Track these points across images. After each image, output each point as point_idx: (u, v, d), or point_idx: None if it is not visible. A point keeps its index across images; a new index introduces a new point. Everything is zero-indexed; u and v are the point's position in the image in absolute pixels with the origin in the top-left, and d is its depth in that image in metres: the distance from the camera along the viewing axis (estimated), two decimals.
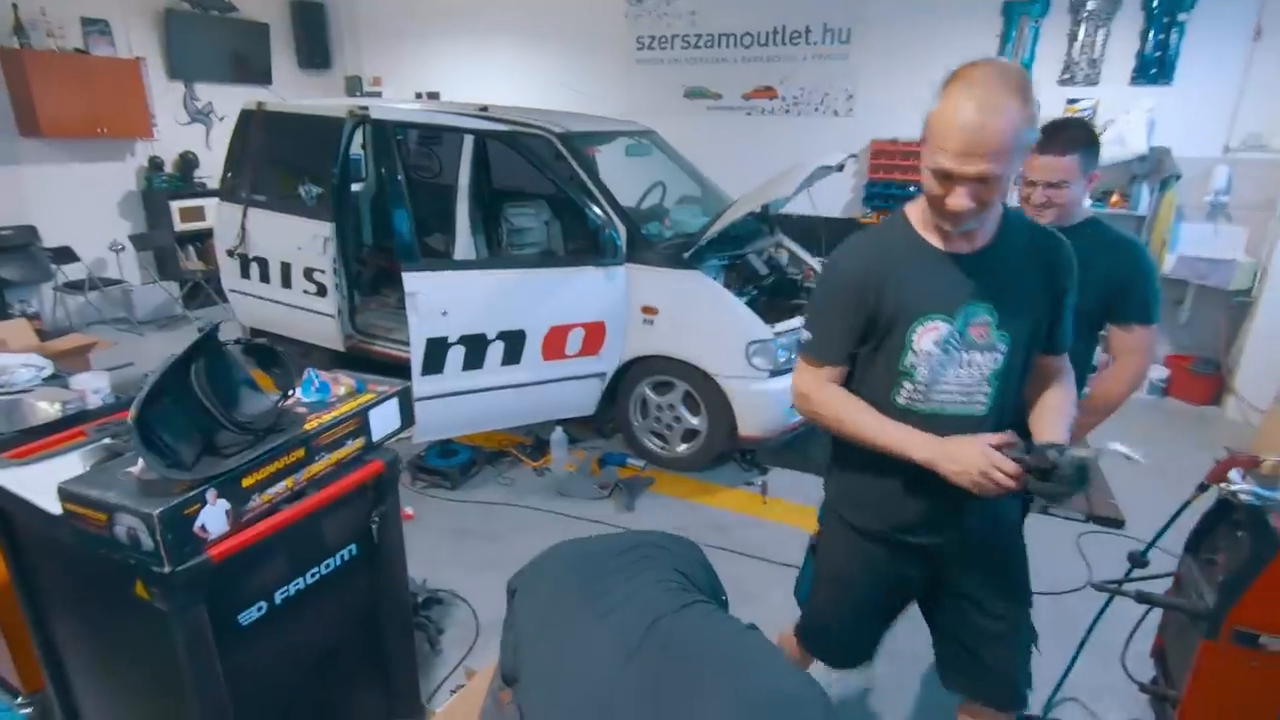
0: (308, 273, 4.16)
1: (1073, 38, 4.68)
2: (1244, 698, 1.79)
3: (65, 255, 5.50)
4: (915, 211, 1.32)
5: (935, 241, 1.29)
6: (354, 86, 7.40)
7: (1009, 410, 1.35)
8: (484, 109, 3.87)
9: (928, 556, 1.43)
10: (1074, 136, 1.74)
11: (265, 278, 4.38)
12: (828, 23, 5.33)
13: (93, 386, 2.01)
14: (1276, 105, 4.28)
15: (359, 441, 1.56)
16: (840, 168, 3.61)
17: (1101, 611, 1.93)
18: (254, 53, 6.74)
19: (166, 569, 1.17)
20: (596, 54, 6.19)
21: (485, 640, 2.37)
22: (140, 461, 1.29)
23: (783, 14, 5.44)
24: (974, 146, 1.10)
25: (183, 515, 1.18)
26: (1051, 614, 2.39)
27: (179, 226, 6.10)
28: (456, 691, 1.92)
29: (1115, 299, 1.78)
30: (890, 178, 5.24)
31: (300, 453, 1.41)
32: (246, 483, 1.29)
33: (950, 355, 1.28)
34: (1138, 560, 1.94)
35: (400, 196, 3.24)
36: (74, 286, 5.51)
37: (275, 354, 1.42)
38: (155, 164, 6.09)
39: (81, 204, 5.71)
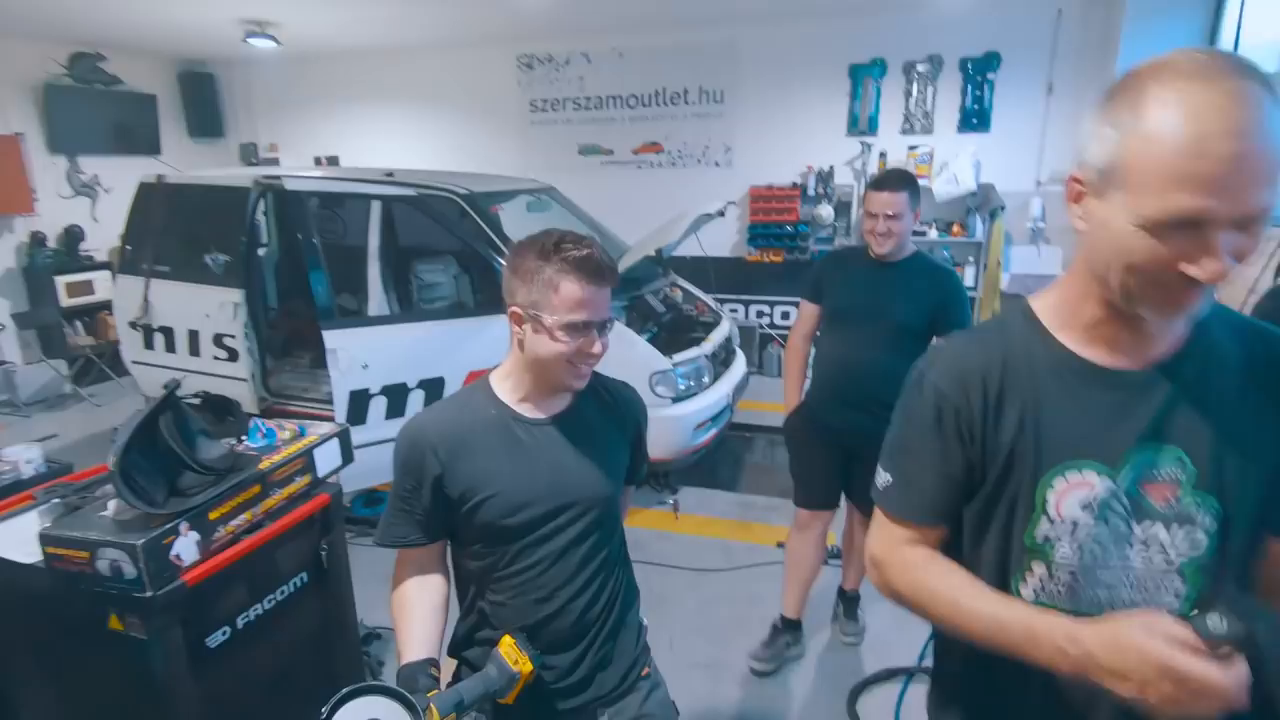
0: (217, 339, 4.21)
1: (908, 94, 5.46)
2: None
3: None
4: (1050, 307, 0.87)
5: (1093, 354, 0.84)
6: (249, 154, 7.43)
7: None
8: (389, 174, 4.11)
9: None
10: (904, 177, 2.21)
11: (171, 347, 4.38)
12: (703, 85, 5.94)
13: (25, 457, 2.10)
14: (1070, 146, 5.14)
15: (306, 478, 1.76)
16: (721, 214, 4.09)
17: None
18: (141, 124, 6.68)
19: (149, 593, 1.35)
20: (493, 117, 6.56)
21: None
22: (111, 505, 1.47)
23: (663, 78, 6.01)
24: (1248, 169, 0.66)
25: (161, 545, 1.37)
26: None
27: (65, 302, 5.90)
28: None
29: (939, 315, 2.23)
30: (769, 219, 5.82)
31: (256, 489, 1.61)
32: (213, 515, 1.48)
33: (1113, 528, 0.82)
34: None
35: (316, 260, 3.42)
36: None
37: (228, 405, 1.62)
38: (38, 239, 5.90)
39: None
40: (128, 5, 4.90)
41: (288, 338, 5.00)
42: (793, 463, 2.57)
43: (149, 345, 4.45)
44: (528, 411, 1.21)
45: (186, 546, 1.42)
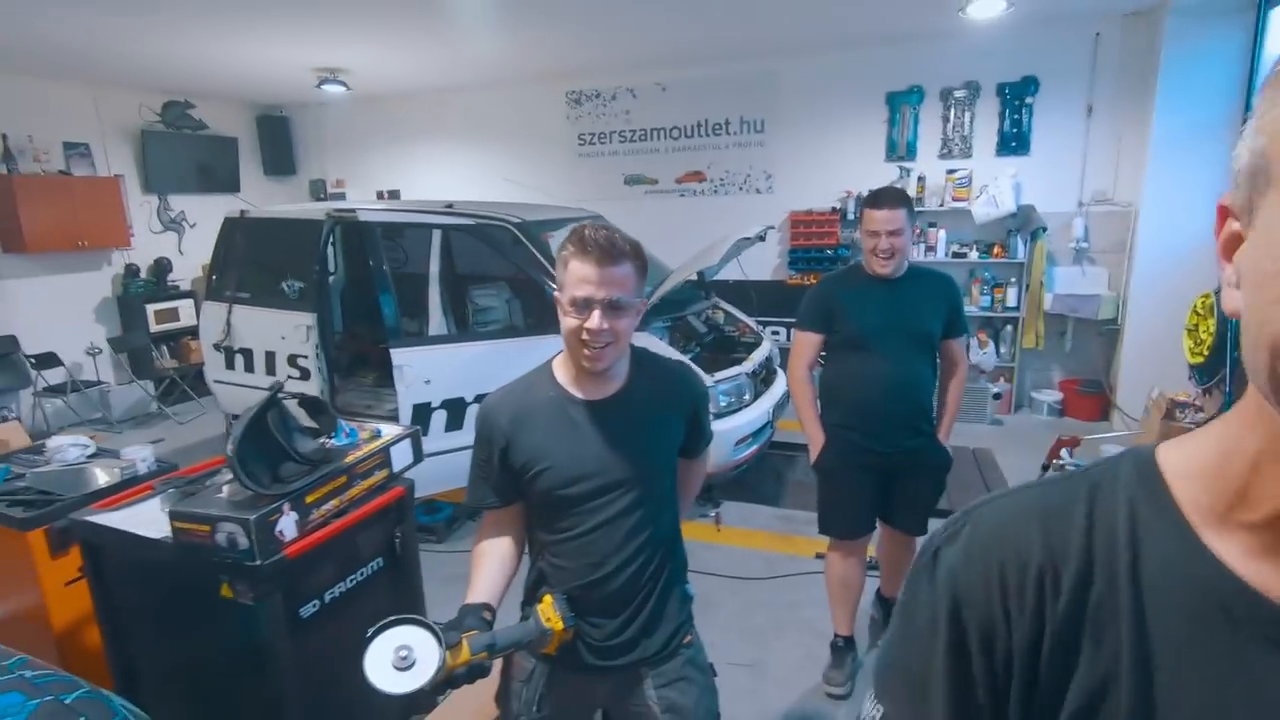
0: (291, 359, 4.56)
1: (945, 120, 5.57)
2: None
3: (47, 361, 5.76)
4: (1193, 472, 0.48)
5: (1267, 578, 0.45)
6: (318, 189, 7.96)
7: None
8: (449, 205, 4.43)
9: None
10: (899, 194, 2.24)
11: (250, 367, 4.75)
12: (744, 115, 6.16)
13: (140, 456, 2.39)
14: (1112, 167, 5.17)
15: (384, 472, 1.99)
16: (761, 238, 4.26)
17: None
18: (223, 164, 7.27)
19: (257, 562, 1.57)
20: (543, 150, 6.91)
21: None
22: (225, 489, 1.71)
23: (705, 110, 6.26)
24: None
25: (268, 521, 1.60)
26: None
27: (154, 328, 6.42)
28: None
29: (949, 320, 2.34)
30: (809, 244, 5.96)
31: (343, 479, 1.83)
32: (309, 499, 1.71)
33: None
34: None
35: (386, 285, 3.72)
36: (54, 390, 5.75)
37: (321, 404, 1.86)
38: (131, 271, 6.46)
39: (61, 312, 6.02)
40: (215, 58, 5.41)
41: (352, 358, 5.36)
42: (827, 497, 2.51)
43: (230, 366, 4.84)
44: (581, 394, 1.37)
45: (288, 524, 1.65)
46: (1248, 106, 4.52)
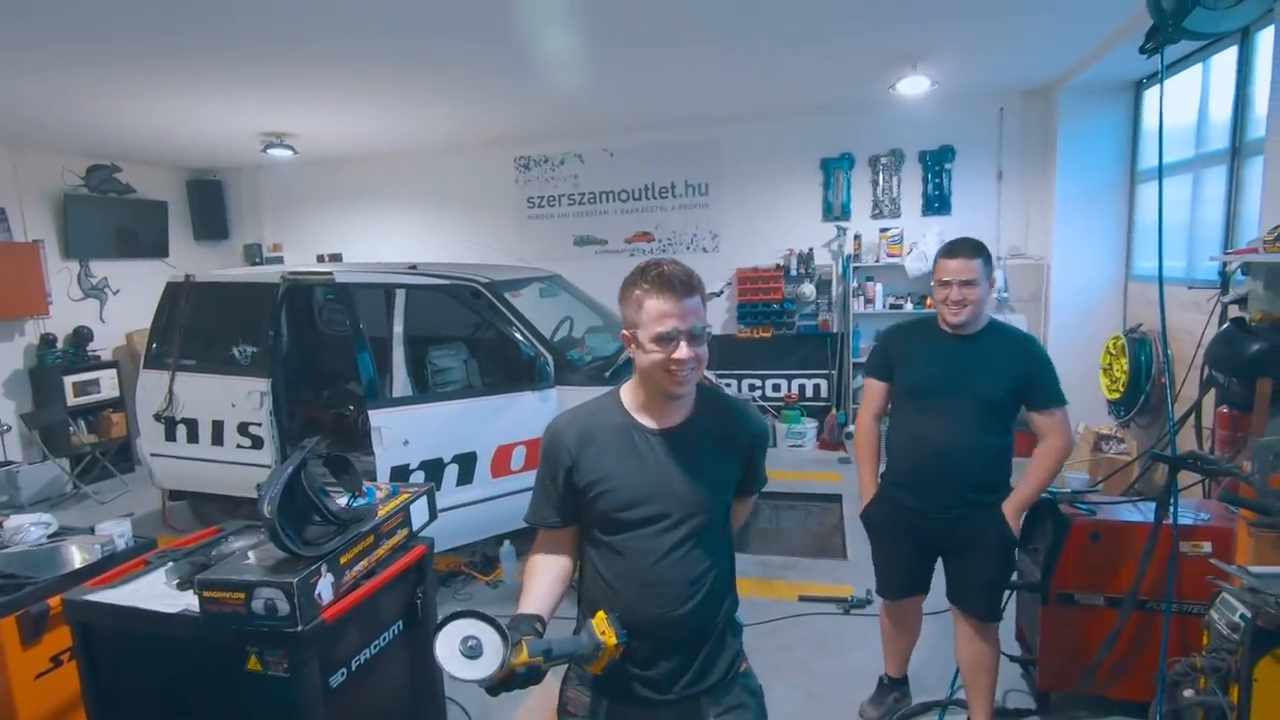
0: (242, 427, 4.36)
1: (875, 183, 6.05)
2: (1075, 643, 2.44)
3: None
4: None
5: None
6: (253, 254, 7.73)
7: None
8: (413, 266, 4.42)
9: None
10: (976, 245, 2.10)
11: (194, 438, 4.50)
12: (688, 179, 6.48)
13: (117, 531, 2.25)
14: (1023, 225, 5.73)
15: (405, 531, 1.95)
16: (719, 294, 4.46)
17: None
18: (150, 228, 6.98)
19: (299, 628, 1.51)
20: (492, 213, 7.00)
21: None
22: (252, 555, 1.65)
23: (651, 174, 6.55)
24: None
25: (309, 583, 1.54)
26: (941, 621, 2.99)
27: (71, 401, 5.98)
28: None
29: (1026, 387, 2.11)
30: (756, 298, 6.24)
31: (371, 539, 1.79)
32: (344, 560, 1.66)
33: None
34: None
35: (364, 346, 3.64)
36: None
37: (346, 463, 1.83)
38: (48, 340, 6.03)
39: None
40: (148, 122, 5.28)
41: (303, 424, 5.15)
42: (874, 553, 2.43)
43: (170, 437, 4.56)
44: (647, 422, 1.43)
45: (325, 587, 1.60)
46: (1133, 173, 5.15)
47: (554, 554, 1.45)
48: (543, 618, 1.34)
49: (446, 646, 1.15)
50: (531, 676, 1.22)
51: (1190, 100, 4.23)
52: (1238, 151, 3.67)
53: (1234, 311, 2.58)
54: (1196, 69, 4.14)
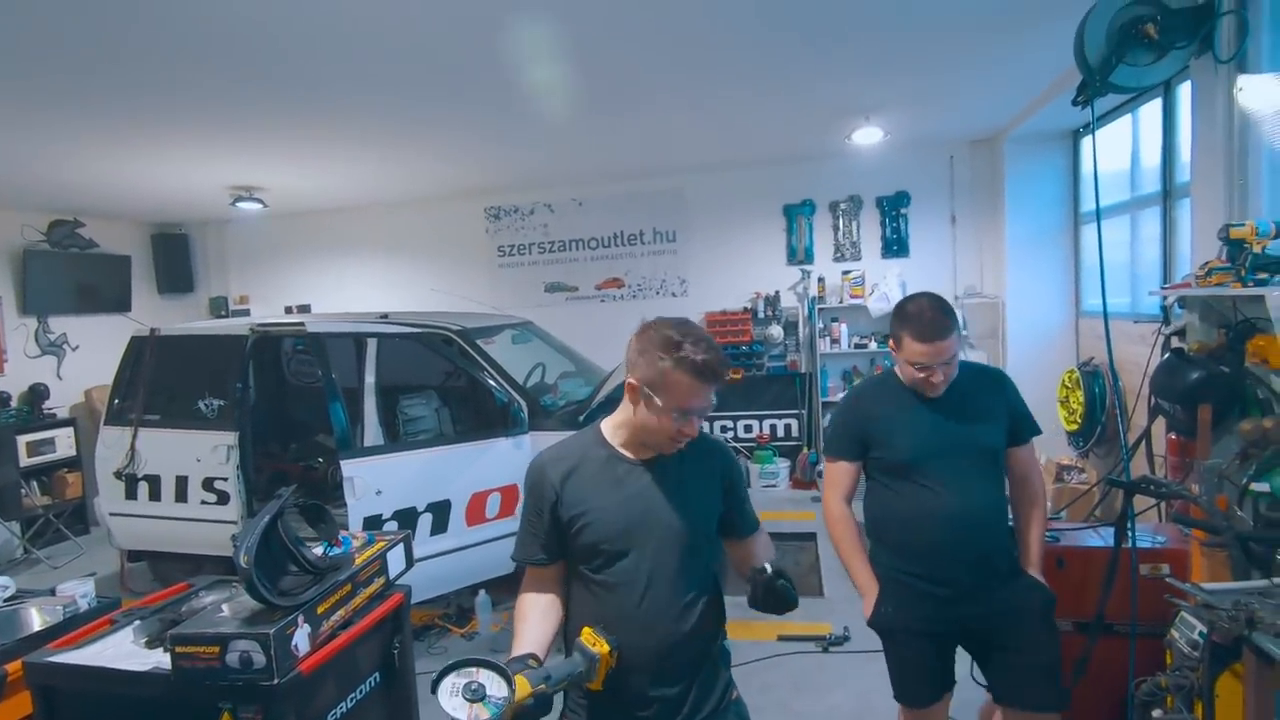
0: (207, 483, 4.26)
1: (835, 228, 6.28)
2: None
3: None
4: None
5: None
6: (218, 306, 7.65)
7: None
8: (384, 315, 4.44)
9: None
10: (946, 321, 1.83)
11: (156, 495, 4.37)
12: (656, 227, 6.65)
13: (79, 591, 2.18)
14: (977, 266, 5.98)
15: (381, 580, 1.93)
16: None
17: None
18: (112, 283, 6.87)
19: (275, 680, 1.49)
20: (463, 262, 7.07)
21: None
22: (226, 608, 1.62)
23: (620, 223, 6.71)
24: None
25: (285, 635, 1.52)
26: None
27: (24, 461, 5.76)
28: None
29: (1013, 425, 1.95)
30: (725, 341, 6.34)
31: (348, 588, 1.77)
32: (320, 609, 1.65)
33: None
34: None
35: (337, 396, 3.62)
36: None
37: (323, 511, 1.82)
38: (1, 399, 5.85)
39: None
40: (114, 178, 5.27)
41: (270, 478, 5.04)
42: (892, 660, 2.05)
43: (131, 495, 4.43)
44: (631, 454, 1.47)
45: (302, 638, 1.58)
46: (1076, 215, 5.44)
47: (543, 592, 1.48)
48: (537, 655, 1.36)
49: (449, 697, 1.19)
50: (541, 708, 1.26)
51: (1123, 147, 4.52)
52: (1169, 194, 3.92)
53: (1175, 342, 2.73)
54: (1126, 119, 4.44)
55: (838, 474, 2.03)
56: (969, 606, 1.89)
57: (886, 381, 2.00)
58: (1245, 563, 1.90)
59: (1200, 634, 1.79)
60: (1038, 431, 2.02)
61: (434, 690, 1.20)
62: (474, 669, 1.21)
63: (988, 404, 1.93)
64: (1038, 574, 1.96)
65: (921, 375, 1.84)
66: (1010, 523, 2.01)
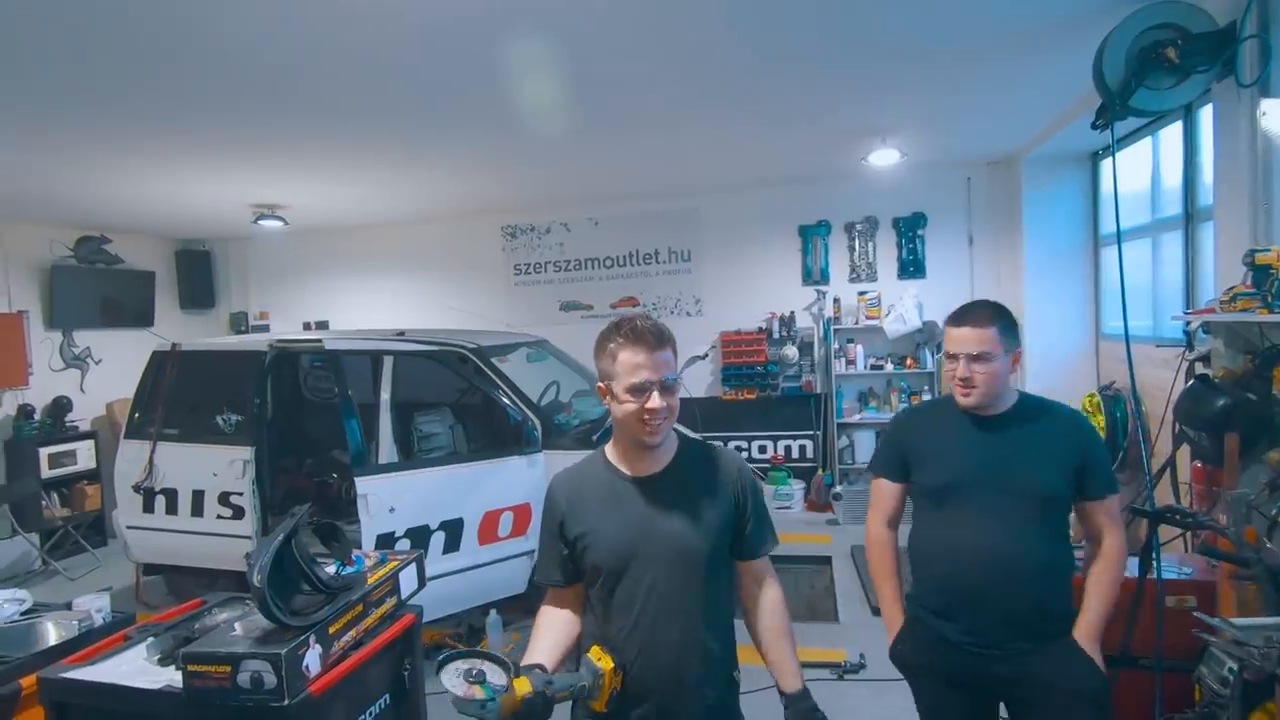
0: (223, 497, 4.29)
1: (851, 249, 6.26)
2: None
3: None
4: None
5: None
6: (239, 322, 7.75)
7: None
8: (401, 333, 4.47)
9: None
10: (990, 310, 1.72)
11: (173, 509, 4.41)
12: (671, 246, 6.67)
13: (95, 606, 2.20)
14: (995, 286, 5.92)
15: (393, 599, 1.92)
16: (704, 356, 4.54)
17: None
18: (136, 298, 7.00)
19: (285, 701, 1.48)
20: (479, 280, 7.12)
21: None
22: (239, 626, 1.62)
23: (635, 242, 6.74)
24: None
25: (297, 655, 1.52)
26: None
27: (46, 473, 5.85)
28: None
29: (1082, 473, 1.71)
30: (740, 361, 6.33)
31: (360, 608, 1.77)
32: (332, 629, 1.64)
33: None
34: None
35: (353, 413, 3.65)
36: None
37: (337, 531, 1.82)
38: (25, 411, 5.95)
39: None
40: (142, 195, 5.38)
41: (285, 493, 5.07)
42: (919, 700, 1.90)
43: (148, 509, 4.47)
44: (629, 471, 1.47)
45: (313, 658, 1.57)
46: (1096, 237, 5.39)
47: (561, 609, 1.51)
48: (545, 666, 1.38)
49: (452, 677, 1.27)
50: (542, 711, 1.28)
51: (1144, 170, 4.48)
52: (1191, 217, 3.87)
53: (1200, 368, 2.68)
54: (1147, 141, 4.40)
55: (878, 493, 1.92)
56: (997, 666, 1.70)
57: (942, 403, 1.87)
58: (1277, 597, 1.85)
59: (1230, 670, 1.73)
60: (1113, 490, 1.74)
61: (439, 671, 1.27)
62: (479, 659, 1.28)
63: (1053, 446, 1.70)
64: (1091, 649, 1.70)
65: (950, 369, 1.72)
66: (1065, 588, 1.76)
